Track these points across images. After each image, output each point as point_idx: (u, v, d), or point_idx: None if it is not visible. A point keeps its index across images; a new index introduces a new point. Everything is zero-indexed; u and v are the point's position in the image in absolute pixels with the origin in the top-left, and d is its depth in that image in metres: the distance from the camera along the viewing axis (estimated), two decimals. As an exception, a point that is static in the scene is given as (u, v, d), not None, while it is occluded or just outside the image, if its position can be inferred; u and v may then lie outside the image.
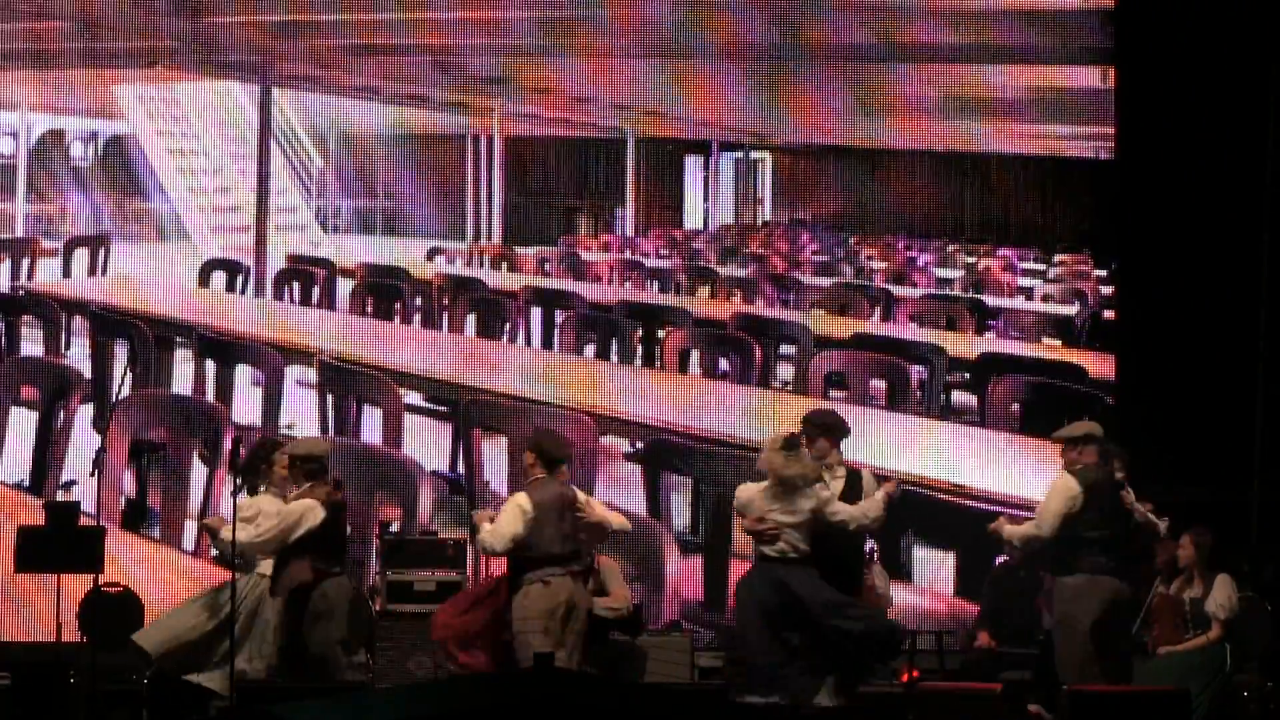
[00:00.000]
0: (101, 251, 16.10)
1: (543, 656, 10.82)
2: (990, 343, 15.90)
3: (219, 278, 16.22)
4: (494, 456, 14.80)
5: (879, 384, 15.35)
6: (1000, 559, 13.07)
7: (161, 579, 13.13)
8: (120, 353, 15.38)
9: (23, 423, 14.95)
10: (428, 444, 15.23)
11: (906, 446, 14.49)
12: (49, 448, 14.77)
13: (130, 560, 13.23)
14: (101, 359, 15.52)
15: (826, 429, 11.43)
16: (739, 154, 17.31)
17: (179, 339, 15.60)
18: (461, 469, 14.94)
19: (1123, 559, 11.22)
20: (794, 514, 11.05)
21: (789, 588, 11.01)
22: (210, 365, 15.40)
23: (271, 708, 7.42)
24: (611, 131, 16.98)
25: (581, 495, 11.46)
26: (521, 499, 11.15)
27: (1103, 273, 15.83)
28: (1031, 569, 12.44)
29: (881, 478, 11.62)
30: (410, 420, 15.14)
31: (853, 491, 11.34)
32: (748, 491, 11.21)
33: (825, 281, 16.58)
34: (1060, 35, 15.03)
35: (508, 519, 11.10)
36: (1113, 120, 14.60)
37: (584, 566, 11.38)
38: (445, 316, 16.36)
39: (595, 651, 11.35)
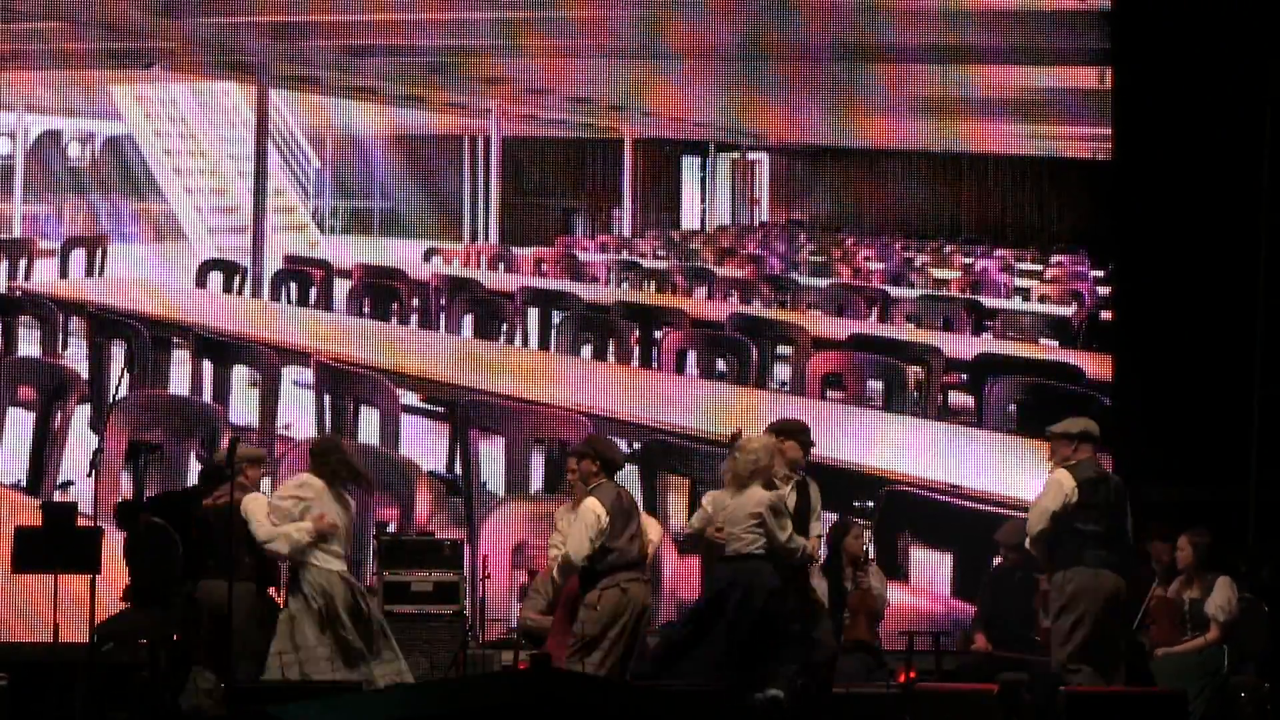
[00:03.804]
0: (99, 252, 16.10)
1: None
2: (987, 343, 15.91)
3: (216, 278, 16.22)
4: (491, 457, 14.81)
5: (876, 385, 15.36)
6: (997, 560, 13.10)
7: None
8: (118, 353, 15.38)
9: (20, 423, 14.94)
10: (425, 444, 15.24)
11: (903, 447, 14.50)
12: (46, 448, 14.77)
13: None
14: (99, 359, 15.52)
15: None
16: (736, 155, 17.32)
17: (176, 339, 15.60)
18: (459, 469, 14.95)
19: (1122, 554, 11.24)
20: None
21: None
22: (208, 366, 15.40)
23: (270, 708, 7.42)
24: (608, 132, 16.98)
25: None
26: (594, 504, 11.18)
27: (1100, 273, 15.85)
28: (1028, 571, 12.46)
29: None
30: (407, 421, 15.15)
31: None
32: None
33: (822, 282, 16.58)
34: (1057, 36, 15.05)
35: (585, 528, 11.11)
36: (1110, 121, 14.62)
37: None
38: (442, 317, 16.36)
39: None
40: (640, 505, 14.11)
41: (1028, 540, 11.29)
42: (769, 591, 11.05)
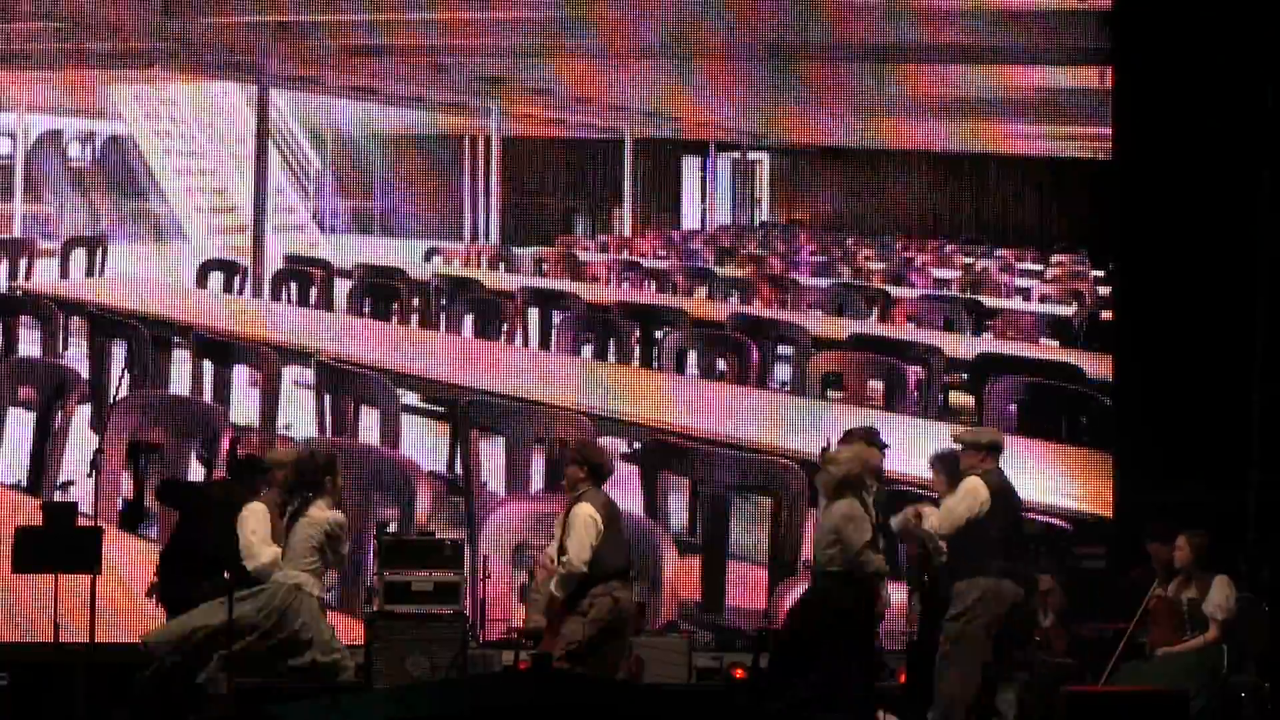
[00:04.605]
0: (99, 252, 16.11)
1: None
2: (988, 343, 15.91)
3: (216, 278, 16.22)
4: (492, 457, 14.80)
5: (876, 384, 15.36)
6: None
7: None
8: (118, 353, 15.39)
9: (20, 423, 14.95)
10: (425, 444, 15.25)
11: (904, 447, 14.48)
12: (47, 448, 14.77)
13: (128, 561, 13.24)
14: (99, 359, 15.53)
15: None
16: (736, 155, 17.33)
17: (177, 339, 15.61)
18: (459, 469, 14.95)
19: (1020, 563, 11.22)
20: None
21: None
22: (208, 366, 15.41)
23: (271, 707, 7.43)
24: (609, 132, 16.98)
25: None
26: (588, 509, 11.03)
27: (1100, 273, 15.85)
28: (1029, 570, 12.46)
29: None
30: (408, 421, 15.14)
31: None
32: None
33: (823, 282, 16.59)
34: (1058, 36, 15.05)
35: (585, 532, 10.99)
36: (1110, 121, 14.61)
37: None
38: (443, 317, 16.37)
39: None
40: (641, 505, 14.23)
41: (919, 526, 11.14)
42: (838, 612, 10.76)
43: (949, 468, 11.32)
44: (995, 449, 11.20)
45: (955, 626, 10.90)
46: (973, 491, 10.97)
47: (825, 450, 11.22)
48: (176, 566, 11.56)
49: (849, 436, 11.36)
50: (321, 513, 11.12)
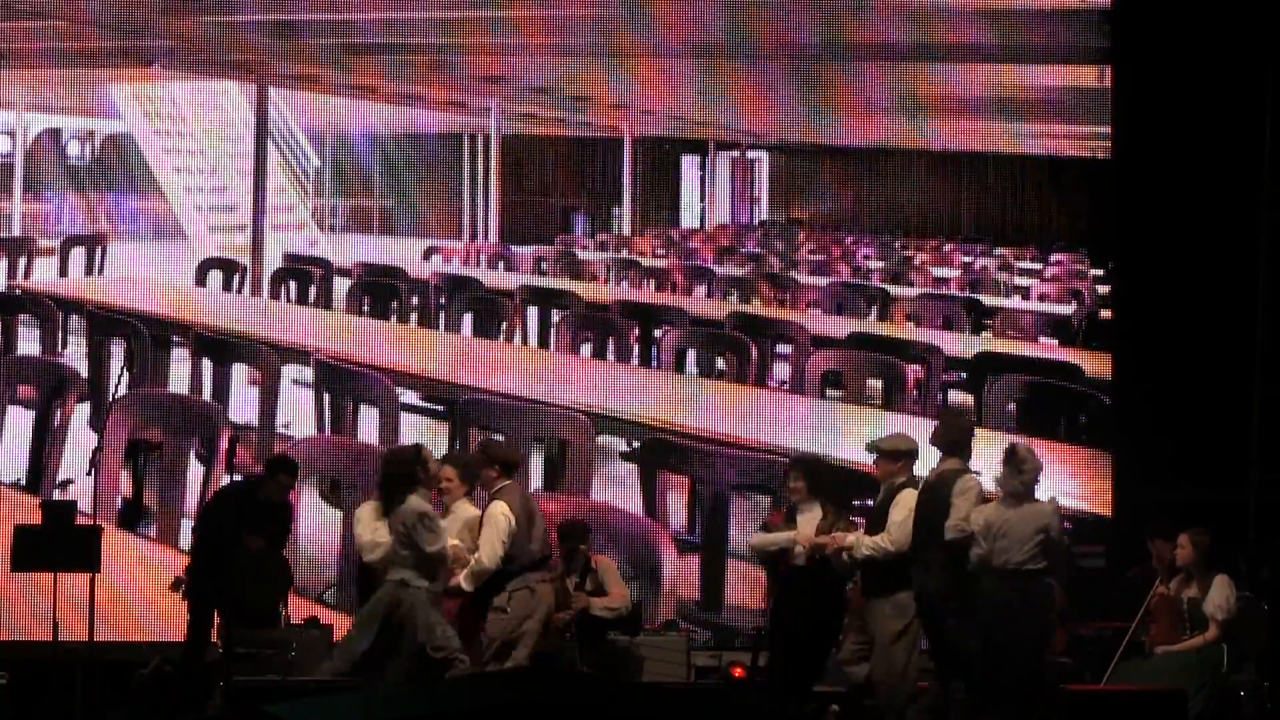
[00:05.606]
0: (98, 250, 16.12)
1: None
2: (987, 342, 15.91)
3: (216, 277, 16.22)
4: (491, 455, 14.79)
5: (875, 383, 15.36)
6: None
7: (158, 578, 13.11)
8: (117, 352, 15.38)
9: (20, 422, 14.94)
10: (424, 443, 15.20)
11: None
12: (46, 447, 14.76)
13: (127, 559, 13.23)
14: (98, 358, 15.52)
15: None
16: (735, 153, 17.33)
17: (176, 338, 15.60)
18: (458, 468, 14.93)
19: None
20: None
21: None
22: (207, 364, 15.40)
23: (270, 707, 7.41)
24: (608, 131, 16.99)
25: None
26: (501, 508, 11.17)
27: (1099, 272, 15.85)
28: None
29: None
30: (407, 419, 15.14)
31: None
32: None
33: (822, 281, 16.59)
34: (1057, 34, 15.05)
35: (496, 531, 11.10)
36: (1109, 120, 14.61)
37: (572, 568, 11.42)
38: (442, 316, 16.36)
39: (592, 651, 11.37)
40: (641, 504, 14.22)
41: (869, 550, 11.12)
42: (1044, 613, 10.79)
43: (810, 473, 11.31)
44: (911, 456, 11.22)
45: (899, 626, 10.94)
46: (909, 504, 11.01)
47: (1014, 449, 11.07)
48: (210, 563, 11.59)
49: (950, 424, 11.28)
50: (405, 505, 11.21)
